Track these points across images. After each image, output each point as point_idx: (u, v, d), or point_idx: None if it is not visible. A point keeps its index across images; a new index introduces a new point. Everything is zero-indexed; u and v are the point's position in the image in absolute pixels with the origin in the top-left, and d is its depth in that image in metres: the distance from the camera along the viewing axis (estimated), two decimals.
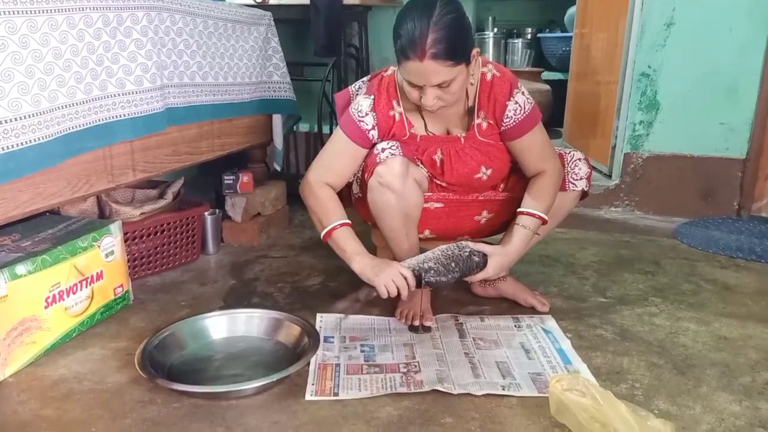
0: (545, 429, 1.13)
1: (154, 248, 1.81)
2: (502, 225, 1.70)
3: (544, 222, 1.48)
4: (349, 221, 1.47)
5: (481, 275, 1.42)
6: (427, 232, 1.66)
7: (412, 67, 1.30)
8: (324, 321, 1.55)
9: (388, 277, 1.37)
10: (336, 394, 1.22)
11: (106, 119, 1.42)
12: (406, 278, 1.36)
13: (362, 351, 1.40)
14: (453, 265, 1.37)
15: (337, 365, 1.34)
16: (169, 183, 1.93)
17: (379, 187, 1.43)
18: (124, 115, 1.46)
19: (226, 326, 1.44)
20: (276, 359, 1.35)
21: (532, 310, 1.61)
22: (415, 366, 1.33)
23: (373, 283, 1.39)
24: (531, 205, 1.47)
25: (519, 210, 1.48)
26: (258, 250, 2.06)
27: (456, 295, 1.70)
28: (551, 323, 1.54)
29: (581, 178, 1.57)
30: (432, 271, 1.36)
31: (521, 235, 1.46)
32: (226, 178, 2.06)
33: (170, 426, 1.14)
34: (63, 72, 1.29)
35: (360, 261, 1.42)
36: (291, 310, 1.59)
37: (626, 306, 1.66)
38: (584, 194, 1.60)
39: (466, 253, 1.39)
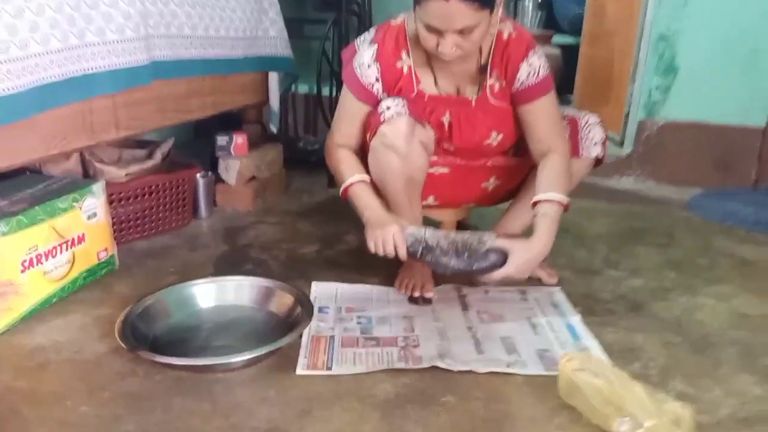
0: (553, 410, 1.05)
1: (141, 211, 1.71)
2: (509, 193, 1.61)
3: (566, 208, 1.33)
4: (366, 178, 1.38)
5: (501, 274, 1.29)
6: (431, 199, 1.56)
7: (434, 7, 1.19)
8: (319, 290, 1.46)
9: (379, 236, 1.29)
10: (329, 369, 1.14)
11: (84, 70, 1.31)
12: (396, 246, 1.28)
13: (359, 323, 1.32)
14: (466, 255, 1.28)
15: (332, 337, 1.25)
16: (159, 143, 1.82)
17: (382, 148, 1.33)
18: (104, 67, 1.35)
19: (215, 294, 1.35)
20: (267, 330, 1.27)
21: (540, 283, 1.52)
22: (414, 340, 1.25)
23: (365, 235, 1.31)
24: (549, 189, 1.31)
25: (536, 199, 1.31)
26: (252, 216, 1.97)
27: None
28: (560, 296, 1.46)
29: (596, 144, 1.46)
30: (438, 250, 1.28)
31: (545, 226, 1.28)
32: (219, 139, 1.96)
33: (151, 400, 1.06)
34: (35, 17, 1.18)
35: (369, 215, 1.34)
36: (285, 278, 1.50)
37: (639, 280, 1.57)
38: (598, 161, 1.49)
39: (483, 249, 1.28)
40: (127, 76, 1.41)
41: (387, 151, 1.33)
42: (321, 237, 1.81)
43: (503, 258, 1.28)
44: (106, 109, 1.41)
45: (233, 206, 2.01)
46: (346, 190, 1.38)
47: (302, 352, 1.19)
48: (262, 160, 2.07)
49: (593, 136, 1.46)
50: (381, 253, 1.30)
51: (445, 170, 1.50)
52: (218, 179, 2.00)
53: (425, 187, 1.45)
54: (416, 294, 1.42)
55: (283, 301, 1.33)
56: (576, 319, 1.35)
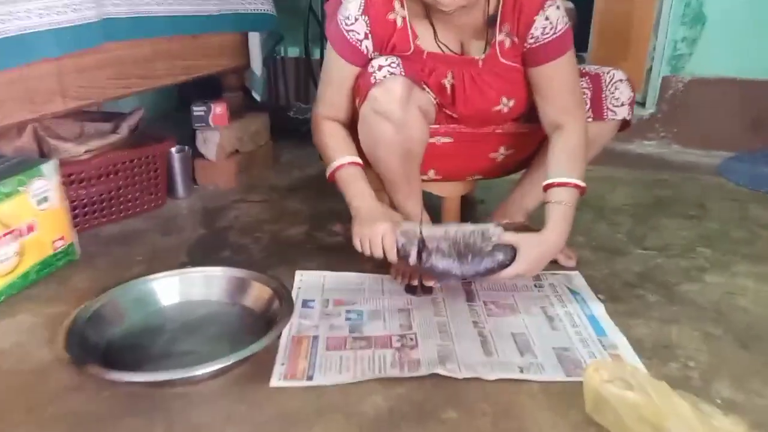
0: (576, 428, 0.87)
1: (107, 192, 1.53)
2: (519, 163, 1.41)
3: (583, 192, 1.14)
4: (357, 159, 1.20)
5: (509, 273, 1.10)
6: (431, 173, 1.37)
7: None
8: (304, 280, 1.28)
9: (366, 236, 1.12)
10: (310, 378, 0.97)
11: (18, 30, 1.12)
12: (385, 249, 1.11)
13: (348, 319, 1.14)
14: (470, 257, 1.10)
15: (315, 338, 1.08)
16: (126, 115, 1.63)
17: (373, 115, 1.14)
18: (45, 26, 1.15)
19: (180, 289, 1.18)
20: (240, 330, 1.10)
21: (556, 265, 1.33)
22: (412, 339, 1.07)
23: (352, 230, 1.14)
24: (563, 171, 1.13)
25: (548, 182, 1.14)
26: (235, 194, 1.79)
27: None
28: (579, 281, 1.27)
29: (622, 104, 1.25)
30: (436, 254, 1.10)
31: (560, 214, 1.12)
32: (195, 109, 1.76)
33: (97, 421, 0.90)
34: None
35: (358, 206, 1.16)
36: (267, 266, 1.33)
37: (669, 259, 1.38)
38: (625, 124, 1.29)
39: (489, 248, 1.10)
40: (73, 37, 1.21)
41: (379, 119, 1.14)
42: (311, 216, 1.62)
43: (512, 254, 1.10)
44: (49, 75, 1.21)
45: (214, 183, 1.82)
46: (333, 173, 1.20)
47: (279, 357, 1.02)
48: (246, 132, 1.88)
49: (619, 95, 1.25)
50: (366, 254, 1.13)
51: (447, 140, 1.30)
52: (197, 154, 1.81)
53: (425, 159, 1.26)
54: (414, 282, 1.23)
55: (259, 295, 1.16)
56: (599, 309, 1.16)
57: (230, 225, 1.57)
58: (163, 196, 1.68)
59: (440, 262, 1.10)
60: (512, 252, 1.09)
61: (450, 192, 1.48)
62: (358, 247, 1.14)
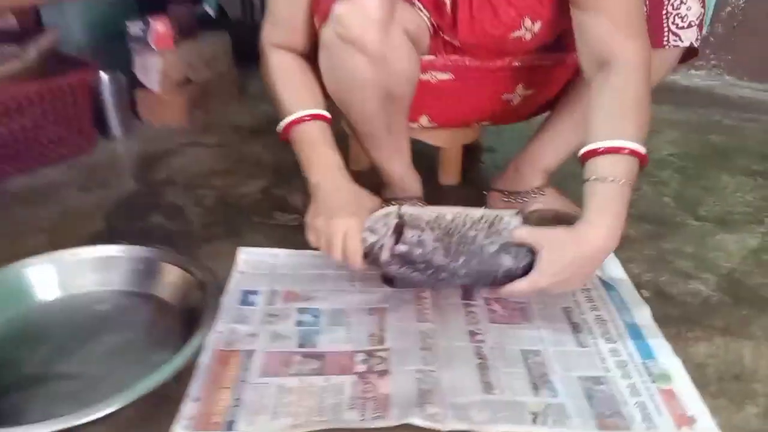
0: None
1: (9, 134, 1.20)
2: (542, 106, 1.06)
3: (644, 160, 0.75)
4: (322, 111, 0.87)
5: (522, 287, 0.76)
6: (424, 120, 1.03)
7: None
8: (249, 261, 0.97)
9: (322, 232, 0.81)
10: (230, 428, 0.68)
11: None
12: (347, 252, 0.80)
13: (299, 323, 0.84)
14: (461, 259, 0.78)
15: (250, 353, 0.78)
16: (36, 35, 1.27)
17: (339, 44, 0.80)
18: None
19: (64, 276, 0.87)
20: (148, 338, 0.80)
21: None
22: (382, 359, 0.77)
23: (306, 218, 0.83)
24: (612, 130, 0.74)
25: (588, 149, 0.74)
26: (186, 134, 1.45)
27: None
28: (615, 269, 0.95)
29: (690, 25, 0.89)
30: (422, 252, 0.78)
31: (607, 197, 0.73)
32: (130, 27, 1.40)
33: None
34: None
35: (316, 183, 0.85)
36: (206, 237, 1.03)
37: (733, 233, 1.06)
38: (691, 53, 0.92)
39: (493, 247, 0.77)
40: None
41: (347, 50, 0.80)
42: (273, 166, 1.29)
43: (527, 260, 0.76)
44: None
45: (162, 121, 1.48)
46: (285, 130, 0.87)
47: (192, 388, 0.72)
48: (199, 56, 1.51)
49: (686, 12, 0.88)
50: (324, 253, 0.82)
51: (446, 76, 0.96)
52: (139, 84, 1.46)
53: (415, 102, 0.92)
54: None
55: (172, 284, 0.86)
56: (643, 314, 0.85)
57: (171, 177, 1.25)
58: (92, 138, 1.35)
59: (425, 268, 0.78)
60: (528, 256, 0.76)
61: (447, 141, 1.14)
62: (314, 244, 0.83)
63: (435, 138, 1.12)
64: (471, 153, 1.27)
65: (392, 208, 0.81)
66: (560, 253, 0.74)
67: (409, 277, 0.80)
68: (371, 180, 1.03)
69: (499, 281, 0.78)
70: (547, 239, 0.75)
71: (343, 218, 0.79)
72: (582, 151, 0.76)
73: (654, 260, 0.98)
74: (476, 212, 0.80)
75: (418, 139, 1.10)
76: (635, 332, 0.82)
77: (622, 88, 0.76)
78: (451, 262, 0.78)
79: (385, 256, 0.78)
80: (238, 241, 1.01)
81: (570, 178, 1.19)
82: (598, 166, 0.73)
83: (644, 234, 1.05)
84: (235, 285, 0.91)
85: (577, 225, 0.74)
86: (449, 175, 1.20)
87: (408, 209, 0.81)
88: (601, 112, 0.76)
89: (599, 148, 0.73)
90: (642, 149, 0.74)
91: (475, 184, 1.21)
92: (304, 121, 0.86)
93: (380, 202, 0.85)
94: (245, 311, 0.86)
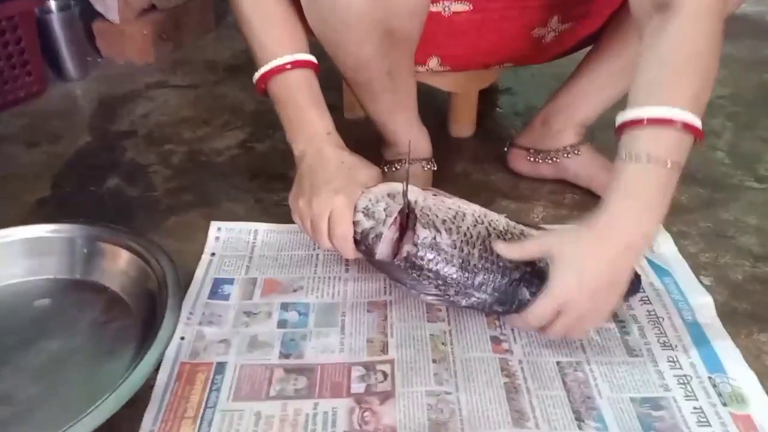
0: None
1: None
2: (579, 43, 0.86)
3: (699, 134, 0.55)
4: (308, 57, 0.68)
5: (535, 316, 0.58)
6: (433, 63, 0.84)
7: None
8: (224, 240, 0.80)
9: (306, 213, 0.64)
10: None
11: None
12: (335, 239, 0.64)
13: (282, 323, 0.68)
14: (478, 280, 0.62)
15: (221, 366, 0.63)
16: None
17: None
18: None
19: None
20: (96, 345, 0.66)
21: None
22: (384, 372, 0.62)
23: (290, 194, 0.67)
24: (660, 95, 0.55)
25: (626, 119, 0.56)
26: (153, 73, 1.25)
27: (476, 177, 0.92)
28: (667, 246, 0.78)
29: None
30: (434, 255, 0.62)
31: (638, 181, 0.55)
32: None
33: None
34: None
35: (302, 150, 0.68)
36: (171, 207, 0.86)
37: None
38: None
39: (516, 275, 0.62)
40: None
41: None
42: (255, 113, 1.10)
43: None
44: None
45: (124, 56, 1.27)
46: (263, 80, 0.68)
47: (147, 417, 0.57)
48: None
49: None
50: (308, 235, 0.67)
51: (462, 7, 0.76)
52: (95, 13, 1.24)
53: (423, 40, 0.72)
54: None
55: (125, 273, 0.70)
56: (706, 308, 0.69)
57: (133, 128, 1.06)
58: (42, 80, 1.15)
59: (434, 274, 0.62)
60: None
61: (461, 86, 0.95)
62: (299, 224, 0.67)
63: (446, 82, 0.92)
64: (485, 96, 1.08)
65: (395, 187, 0.63)
66: (573, 263, 0.56)
67: (410, 284, 0.64)
68: (370, 132, 0.85)
69: (512, 311, 0.63)
70: (558, 245, 0.57)
71: (327, 196, 0.62)
72: (619, 119, 0.56)
73: (712, 235, 0.81)
74: (498, 219, 0.65)
75: (423, 82, 0.91)
76: (698, 335, 0.66)
77: (683, 40, 0.56)
78: (467, 279, 0.62)
79: (383, 249, 0.62)
80: (210, 212, 0.84)
81: (609, 130, 1.01)
82: (637, 141, 0.54)
83: (697, 201, 0.88)
84: (204, 272, 0.75)
85: (595, 216, 0.56)
86: (462, 125, 1.01)
87: (416, 193, 0.64)
88: (651, 69, 0.57)
89: (642, 119, 0.54)
90: (698, 122, 0.55)
91: (492, 135, 1.03)
92: (285, 70, 0.67)
93: (379, 175, 0.67)
94: (216, 307, 0.70)
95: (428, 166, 0.84)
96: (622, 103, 0.82)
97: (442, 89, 0.95)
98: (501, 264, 0.62)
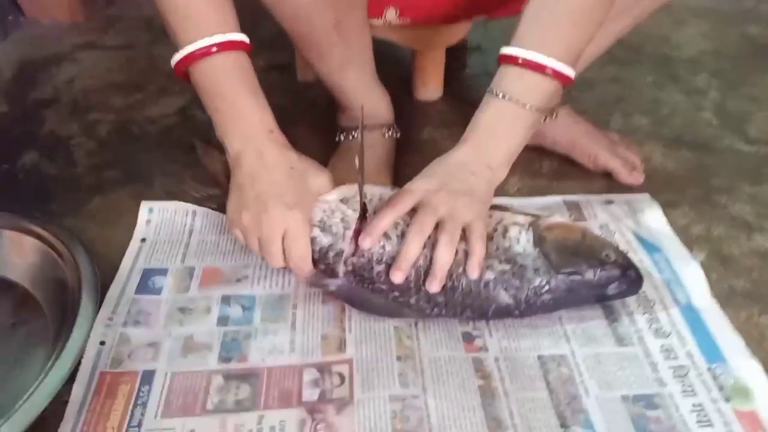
0: None
1: None
2: None
3: (568, 82, 0.57)
4: (238, 36, 0.56)
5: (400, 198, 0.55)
6: (390, 14, 0.74)
7: None
8: (156, 223, 0.70)
9: (251, 228, 0.55)
10: None
11: None
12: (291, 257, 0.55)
13: (222, 320, 0.59)
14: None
15: (148, 377, 0.53)
16: None
17: None
18: None
19: None
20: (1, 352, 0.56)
21: (611, 186, 0.76)
22: (341, 375, 0.53)
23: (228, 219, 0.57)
24: (538, 39, 0.55)
25: (504, 52, 0.57)
26: (82, 33, 1.11)
27: (444, 145, 0.83)
28: (655, 219, 0.71)
29: None
30: (375, 286, 0.55)
31: (495, 115, 0.57)
32: None
33: None
34: None
35: (238, 151, 0.56)
36: (95, 185, 0.75)
37: None
38: None
39: (491, 275, 0.55)
40: None
41: None
42: None
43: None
44: None
45: (50, 15, 1.13)
46: (184, 64, 0.56)
47: (64, 429, 0.48)
48: None
49: None
50: (255, 250, 0.57)
51: None
52: None
53: None
54: None
55: (35, 265, 0.61)
56: (702, 292, 0.61)
57: (56, 94, 0.93)
58: None
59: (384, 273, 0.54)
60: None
61: (425, 42, 0.84)
62: (239, 241, 0.57)
63: (408, 38, 0.82)
64: (453, 55, 0.98)
65: (348, 191, 0.55)
66: (433, 176, 0.57)
67: (364, 299, 0.56)
68: (326, 96, 0.75)
69: (489, 317, 0.56)
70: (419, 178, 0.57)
71: (281, 211, 0.52)
72: (501, 51, 0.57)
73: (703, 204, 0.74)
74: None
75: (382, 38, 0.80)
76: (693, 319, 0.59)
77: None
78: (422, 274, 0.53)
79: (340, 266, 0.54)
80: (142, 190, 0.74)
81: (587, 90, 0.93)
82: (507, 78, 0.56)
83: (685, 165, 0.80)
84: (132, 261, 0.64)
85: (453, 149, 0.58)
86: (428, 87, 0.91)
87: (374, 190, 0.56)
88: (535, 13, 0.56)
89: (518, 57, 0.55)
90: (570, 72, 0.56)
91: (460, 98, 0.93)
92: (211, 54, 0.55)
93: (331, 180, 0.57)
94: (145, 304, 0.60)
95: (389, 133, 0.74)
96: (599, 60, 0.74)
97: (403, 47, 0.85)
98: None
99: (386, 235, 0.54)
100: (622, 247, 0.64)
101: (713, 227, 0.70)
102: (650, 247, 0.66)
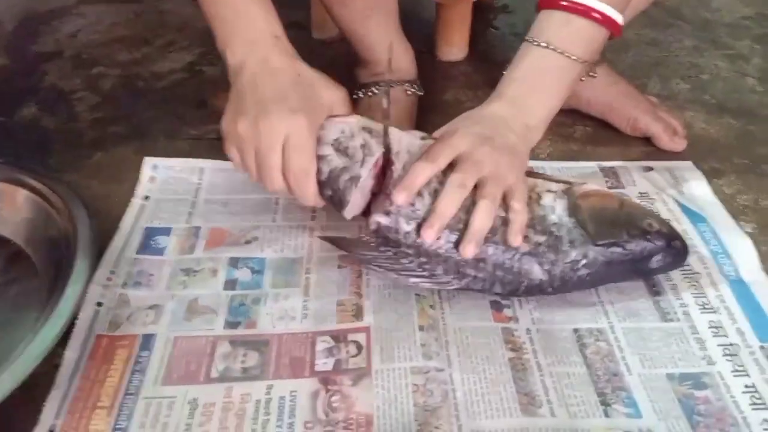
0: None
1: None
2: None
3: (616, 30, 0.52)
4: None
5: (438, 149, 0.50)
6: None
7: None
8: (159, 179, 0.65)
9: (249, 141, 0.48)
10: None
11: None
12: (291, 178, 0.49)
13: (230, 284, 0.54)
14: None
15: (148, 341, 0.49)
16: None
17: None
18: None
19: None
20: None
21: (651, 152, 0.70)
22: (358, 343, 0.49)
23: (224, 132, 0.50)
24: None
25: None
26: None
27: (469, 106, 0.78)
28: (699, 187, 0.65)
29: None
30: (400, 250, 0.50)
31: (536, 67, 0.52)
32: None
33: None
34: None
35: (241, 61, 0.50)
36: (97, 140, 0.70)
37: None
38: None
39: (525, 248, 0.49)
40: None
41: None
42: (206, 34, 0.91)
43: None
44: None
45: None
46: None
47: (47, 410, 0.44)
48: None
49: None
50: (254, 179, 0.51)
51: None
52: None
53: None
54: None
55: (28, 220, 0.56)
56: (753, 266, 0.56)
57: (59, 48, 0.89)
58: None
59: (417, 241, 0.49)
60: None
61: None
62: (235, 160, 0.51)
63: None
64: (479, 14, 0.92)
65: (373, 124, 0.49)
66: (475, 126, 0.50)
67: (382, 264, 0.50)
68: (343, 55, 0.70)
69: (519, 294, 0.50)
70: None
71: (284, 115, 0.46)
72: None
73: (749, 173, 0.68)
74: None
75: None
76: (743, 294, 0.54)
77: None
78: (458, 253, 0.48)
79: (356, 200, 0.48)
80: (145, 146, 0.69)
81: (623, 52, 0.87)
82: (549, 24, 0.51)
83: (729, 133, 0.74)
84: (134, 219, 0.60)
85: (489, 99, 0.53)
86: (452, 45, 0.86)
87: (399, 137, 0.50)
88: None
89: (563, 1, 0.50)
90: (620, 19, 0.51)
91: (487, 59, 0.88)
92: None
93: (347, 99, 0.52)
94: (147, 264, 0.55)
95: (412, 90, 0.69)
96: (636, 22, 0.68)
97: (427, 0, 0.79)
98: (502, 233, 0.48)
99: (417, 192, 0.49)
100: (664, 216, 0.59)
101: (761, 197, 0.65)
102: (695, 217, 0.61)
